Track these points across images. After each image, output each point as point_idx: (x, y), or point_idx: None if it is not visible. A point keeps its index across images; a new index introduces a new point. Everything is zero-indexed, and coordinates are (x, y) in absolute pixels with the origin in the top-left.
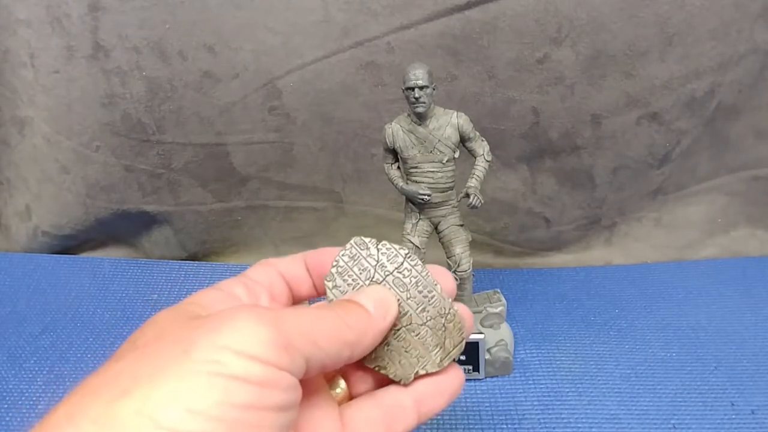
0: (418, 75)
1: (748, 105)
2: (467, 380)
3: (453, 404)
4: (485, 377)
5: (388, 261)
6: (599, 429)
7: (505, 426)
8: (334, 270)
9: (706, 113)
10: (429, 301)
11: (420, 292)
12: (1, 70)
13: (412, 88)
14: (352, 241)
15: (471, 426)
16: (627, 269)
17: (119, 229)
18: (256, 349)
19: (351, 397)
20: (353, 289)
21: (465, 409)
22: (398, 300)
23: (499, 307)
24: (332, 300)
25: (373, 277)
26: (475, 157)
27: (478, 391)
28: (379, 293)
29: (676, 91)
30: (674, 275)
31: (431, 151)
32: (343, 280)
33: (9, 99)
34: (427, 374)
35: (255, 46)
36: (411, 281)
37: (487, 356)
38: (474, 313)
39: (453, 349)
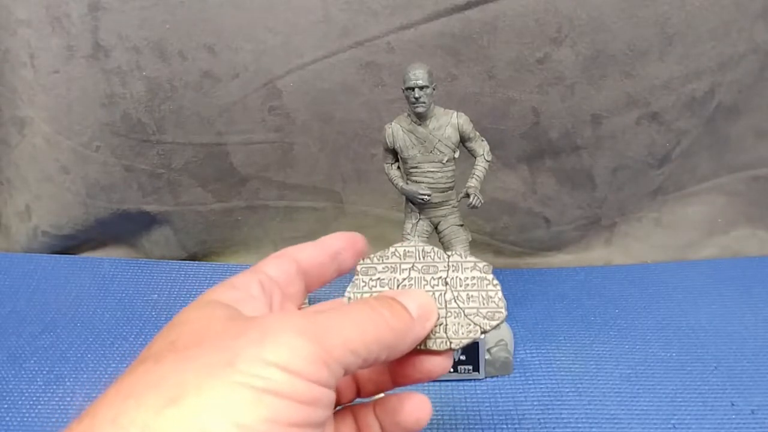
0: (418, 75)
1: (748, 105)
2: (467, 380)
3: (453, 404)
4: (485, 377)
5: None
6: (599, 429)
7: (505, 426)
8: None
9: (706, 113)
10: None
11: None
12: (1, 70)
13: (412, 88)
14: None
15: (471, 426)
16: (627, 269)
17: (119, 229)
18: (301, 366)
19: (338, 397)
20: (388, 275)
21: (465, 409)
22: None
23: None
24: (361, 291)
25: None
26: (475, 157)
27: (478, 391)
28: (423, 298)
29: (676, 91)
30: (674, 275)
31: (431, 151)
32: (376, 270)
33: (9, 99)
34: (429, 351)
35: (255, 46)
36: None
37: (487, 356)
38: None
39: (456, 338)
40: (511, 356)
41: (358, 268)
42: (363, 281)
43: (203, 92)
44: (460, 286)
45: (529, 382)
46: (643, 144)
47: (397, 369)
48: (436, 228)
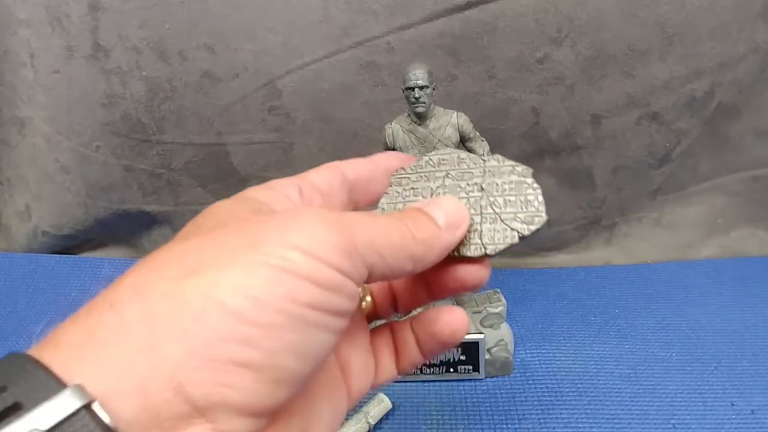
0: (418, 75)
1: (748, 105)
2: (467, 380)
3: (453, 404)
4: (485, 377)
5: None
6: (599, 429)
7: (505, 426)
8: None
9: (706, 113)
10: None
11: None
12: (1, 70)
13: (412, 88)
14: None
15: (471, 426)
16: (627, 269)
17: (119, 229)
18: (323, 252)
19: (375, 310)
20: (421, 184)
21: (465, 409)
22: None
23: (499, 307)
24: (394, 201)
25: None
26: None
27: (478, 391)
28: (452, 205)
29: (676, 91)
30: (674, 275)
31: (431, 151)
32: (410, 180)
33: (9, 99)
34: (463, 259)
35: (255, 46)
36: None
37: (487, 356)
38: (474, 313)
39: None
40: (511, 356)
41: (392, 178)
42: (396, 192)
43: (203, 92)
44: (497, 191)
45: (529, 382)
46: (643, 144)
47: (432, 278)
48: None
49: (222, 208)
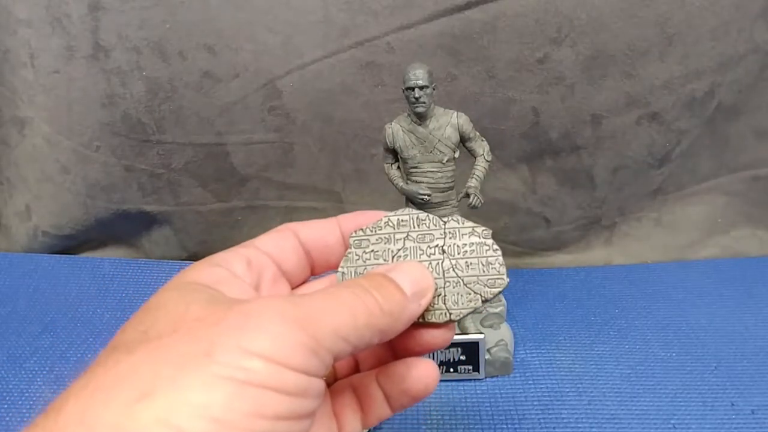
0: (418, 75)
1: (748, 105)
2: (467, 380)
3: (453, 404)
4: (485, 377)
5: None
6: (599, 429)
7: (505, 426)
8: (362, 232)
9: (706, 113)
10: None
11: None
12: (1, 70)
13: (412, 88)
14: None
15: (471, 426)
16: (627, 269)
17: (119, 229)
18: (286, 356)
19: (335, 374)
20: (382, 246)
21: (465, 409)
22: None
23: (499, 307)
24: (354, 265)
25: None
26: (475, 157)
27: (478, 391)
28: (417, 272)
29: (676, 91)
30: (674, 275)
31: (431, 151)
32: (368, 245)
33: (9, 99)
34: (428, 324)
35: (255, 46)
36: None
37: (487, 356)
38: (474, 313)
39: (455, 307)
40: (511, 356)
41: (351, 240)
42: (356, 254)
43: (203, 92)
44: (459, 253)
45: (529, 382)
46: (643, 144)
47: (397, 343)
48: None
49: (167, 301)
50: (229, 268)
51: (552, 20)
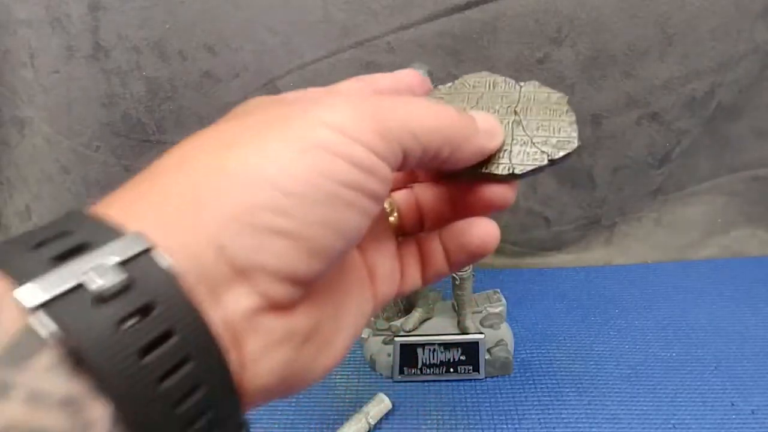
0: None
1: (748, 105)
2: (467, 380)
3: (453, 404)
4: (485, 377)
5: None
6: (599, 429)
7: (505, 426)
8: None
9: (706, 113)
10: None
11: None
12: (1, 70)
13: None
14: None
15: (471, 426)
16: (627, 269)
17: None
18: (357, 132)
19: (402, 226)
20: (455, 105)
21: (465, 409)
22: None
23: (499, 307)
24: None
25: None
26: None
27: (478, 391)
28: (488, 116)
29: (676, 91)
30: (674, 275)
31: None
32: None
33: (9, 99)
34: (491, 177)
35: (255, 46)
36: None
37: (487, 356)
38: (474, 313)
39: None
40: (511, 356)
41: (427, 97)
42: None
43: (203, 92)
44: (531, 115)
45: (529, 382)
46: (643, 144)
47: (458, 197)
48: None
49: (260, 98)
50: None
51: (552, 20)
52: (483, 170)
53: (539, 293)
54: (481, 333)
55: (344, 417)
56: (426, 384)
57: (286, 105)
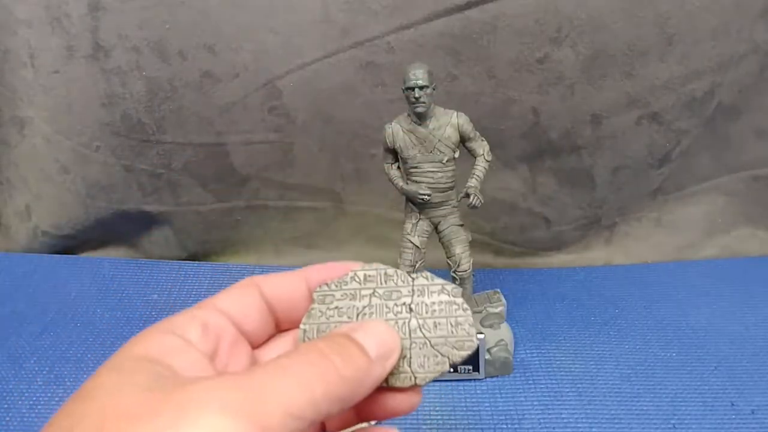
0: (418, 75)
1: (748, 105)
2: (467, 380)
3: (453, 404)
4: (485, 377)
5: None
6: (599, 429)
7: (505, 426)
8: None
9: (706, 113)
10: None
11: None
12: (1, 70)
13: (412, 88)
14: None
15: (471, 426)
16: (627, 269)
17: (119, 229)
18: None
19: None
20: (346, 303)
21: (465, 409)
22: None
23: (499, 307)
24: (317, 322)
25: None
26: (475, 157)
27: (478, 391)
28: (383, 332)
29: (676, 91)
30: (674, 275)
31: (431, 151)
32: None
33: (9, 99)
34: (392, 388)
35: (255, 46)
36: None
37: (487, 356)
38: (474, 313)
39: (422, 371)
40: (511, 356)
41: (315, 296)
42: (320, 311)
43: (203, 92)
44: (426, 312)
45: (529, 382)
46: (643, 144)
47: (360, 406)
48: (436, 228)
49: (100, 388)
50: (182, 335)
51: (552, 20)
52: (384, 384)
53: (539, 293)
54: (481, 333)
55: None
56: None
57: (135, 425)
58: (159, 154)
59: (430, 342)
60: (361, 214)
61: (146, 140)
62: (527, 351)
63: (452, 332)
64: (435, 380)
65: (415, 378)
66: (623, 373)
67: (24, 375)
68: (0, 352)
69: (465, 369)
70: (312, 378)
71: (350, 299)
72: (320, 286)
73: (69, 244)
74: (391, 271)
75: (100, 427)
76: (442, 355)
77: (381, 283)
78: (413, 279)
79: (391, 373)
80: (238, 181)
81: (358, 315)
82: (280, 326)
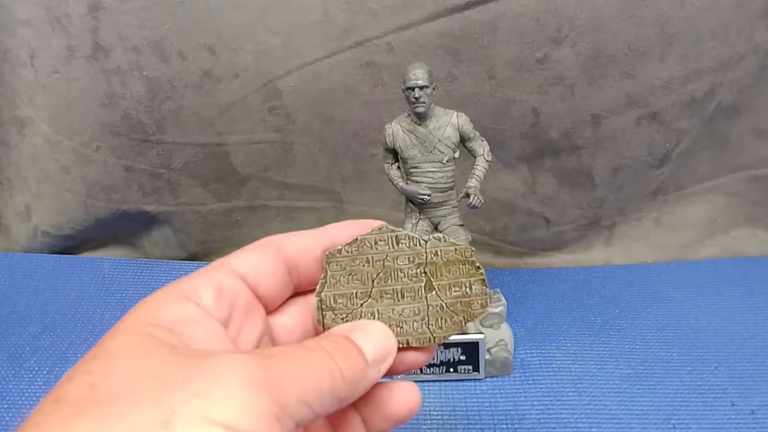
0: (418, 75)
1: (748, 105)
2: (467, 380)
3: (453, 404)
4: (485, 377)
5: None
6: (599, 429)
7: (505, 426)
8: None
9: (706, 113)
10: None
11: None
12: (1, 70)
13: (412, 88)
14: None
15: (471, 426)
16: (627, 269)
17: (119, 229)
18: (251, 426)
19: None
20: (359, 268)
21: (465, 409)
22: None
23: (499, 307)
24: (332, 291)
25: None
26: (475, 157)
27: (478, 391)
28: (381, 335)
29: (676, 91)
30: (674, 275)
31: (431, 151)
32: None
33: (9, 99)
34: (412, 348)
35: (255, 46)
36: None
37: (487, 356)
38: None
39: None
40: (511, 356)
41: (326, 260)
42: (333, 277)
43: (203, 92)
44: (442, 276)
45: (529, 382)
46: (643, 144)
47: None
48: (436, 228)
49: (124, 349)
50: (197, 301)
51: (552, 20)
52: (403, 345)
53: (539, 293)
54: (481, 333)
55: None
56: (426, 384)
57: (168, 389)
58: (159, 154)
59: (446, 304)
60: (361, 214)
61: (146, 140)
62: (527, 351)
63: (467, 292)
64: (447, 342)
65: (434, 337)
66: (623, 373)
67: (24, 375)
68: (0, 352)
69: (465, 369)
70: (322, 372)
71: (363, 264)
72: (332, 251)
73: (69, 244)
74: (402, 234)
75: (131, 387)
76: (457, 314)
77: (393, 247)
78: (426, 242)
79: (411, 335)
80: (238, 181)
81: (372, 280)
82: (299, 288)
